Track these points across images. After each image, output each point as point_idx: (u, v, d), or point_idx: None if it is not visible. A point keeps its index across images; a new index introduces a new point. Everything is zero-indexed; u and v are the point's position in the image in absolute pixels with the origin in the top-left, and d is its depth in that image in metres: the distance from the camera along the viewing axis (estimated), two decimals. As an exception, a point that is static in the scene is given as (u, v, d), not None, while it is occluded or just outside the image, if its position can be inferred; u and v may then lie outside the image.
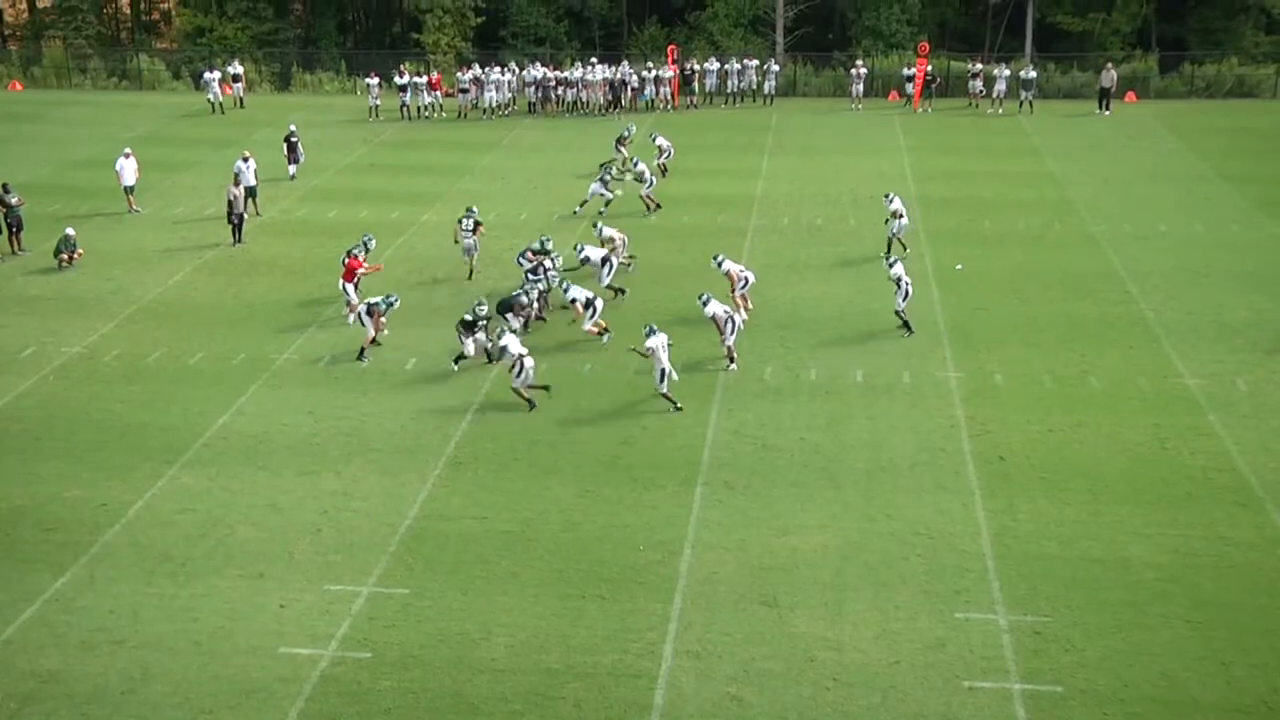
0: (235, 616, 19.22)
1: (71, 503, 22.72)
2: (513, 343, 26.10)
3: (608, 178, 39.71)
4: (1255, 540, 21.03)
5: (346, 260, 31.03)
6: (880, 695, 17.25)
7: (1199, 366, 27.91)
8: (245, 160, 40.04)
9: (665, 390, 25.96)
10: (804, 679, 17.60)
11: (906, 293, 29.53)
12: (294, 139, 45.60)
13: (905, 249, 35.62)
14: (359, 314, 29.20)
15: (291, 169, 45.32)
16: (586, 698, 17.28)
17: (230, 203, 37.41)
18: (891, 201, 36.10)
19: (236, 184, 37.98)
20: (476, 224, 33.88)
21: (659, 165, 44.06)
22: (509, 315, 29.11)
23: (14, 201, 36.74)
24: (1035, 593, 19.53)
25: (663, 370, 25.83)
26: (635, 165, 41.06)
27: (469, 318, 28.14)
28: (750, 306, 30.50)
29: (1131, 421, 25.42)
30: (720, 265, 30.62)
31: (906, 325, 29.76)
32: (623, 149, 44.56)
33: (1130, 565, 20.28)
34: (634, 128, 47.92)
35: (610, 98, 57.79)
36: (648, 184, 40.37)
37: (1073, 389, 27.01)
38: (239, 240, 37.62)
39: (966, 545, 20.92)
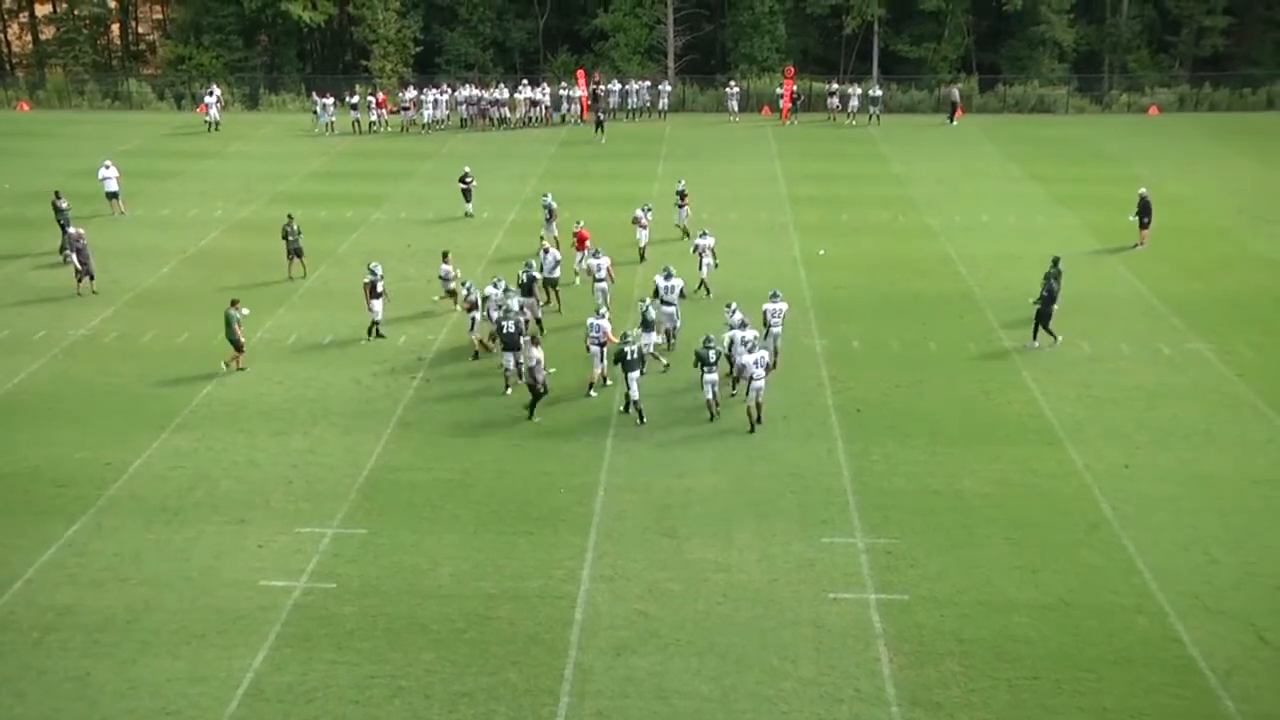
0: (221, 556, 18.94)
1: (80, 462, 22.20)
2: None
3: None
4: (1057, 471, 21.49)
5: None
6: (762, 607, 17.39)
7: (1014, 332, 28.31)
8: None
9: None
10: (699, 596, 17.69)
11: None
12: (469, 179, 40.48)
13: None
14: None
15: (468, 206, 40.29)
16: (518, 616, 17.24)
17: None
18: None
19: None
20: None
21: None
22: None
23: (63, 205, 35.51)
24: (887, 520, 19.77)
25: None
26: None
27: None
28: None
29: (962, 378, 25.76)
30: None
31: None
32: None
33: (962, 495, 20.61)
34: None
35: (528, 115, 57.23)
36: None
37: (915, 352, 27.30)
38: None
39: (831, 482, 21.12)
